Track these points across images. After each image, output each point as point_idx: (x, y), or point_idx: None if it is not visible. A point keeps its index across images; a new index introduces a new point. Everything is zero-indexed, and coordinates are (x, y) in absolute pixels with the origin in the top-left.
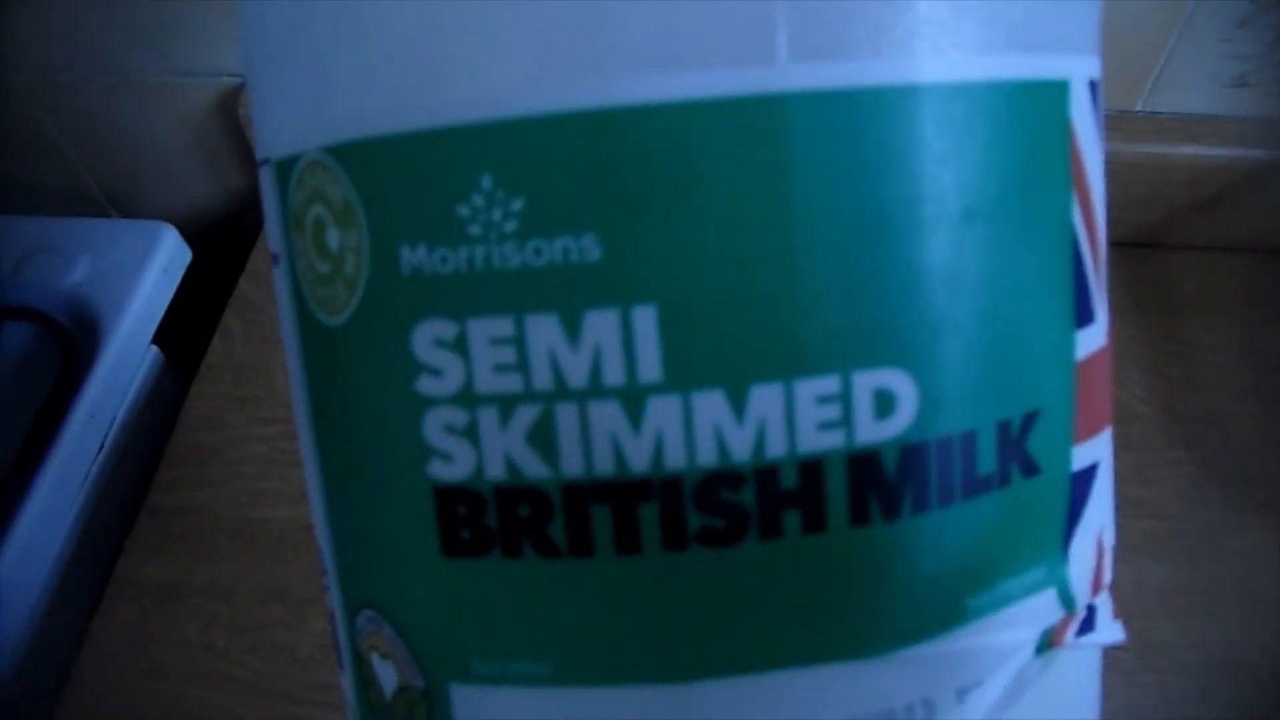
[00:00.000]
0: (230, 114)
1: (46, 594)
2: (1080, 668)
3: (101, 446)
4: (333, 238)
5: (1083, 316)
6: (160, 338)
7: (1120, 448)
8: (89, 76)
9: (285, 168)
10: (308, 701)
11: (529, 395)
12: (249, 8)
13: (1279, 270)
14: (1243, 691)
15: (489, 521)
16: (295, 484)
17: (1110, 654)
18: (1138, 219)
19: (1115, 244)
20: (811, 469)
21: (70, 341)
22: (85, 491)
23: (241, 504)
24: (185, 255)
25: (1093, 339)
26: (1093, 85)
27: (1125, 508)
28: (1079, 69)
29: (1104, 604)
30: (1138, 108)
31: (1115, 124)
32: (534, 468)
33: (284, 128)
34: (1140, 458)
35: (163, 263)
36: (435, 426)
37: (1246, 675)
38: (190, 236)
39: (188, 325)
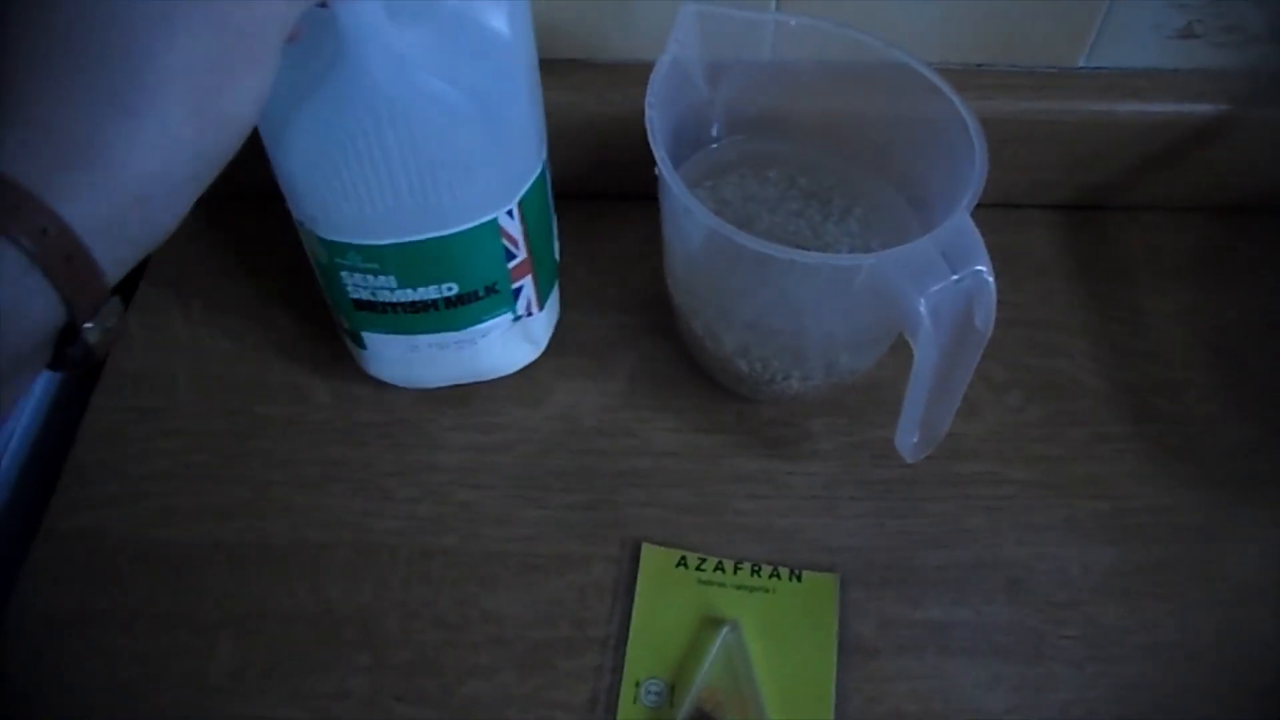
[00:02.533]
0: None
1: None
2: (527, 328)
3: None
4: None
5: (509, 259)
6: None
7: (1067, 423)
8: None
9: (327, 243)
10: None
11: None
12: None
13: (1230, 229)
14: (1199, 677)
15: (363, 302)
16: (201, 500)
17: (1057, 643)
18: (1081, 180)
19: (1059, 207)
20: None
21: None
22: None
23: (144, 524)
24: None
25: (516, 265)
26: (515, 209)
27: (1073, 487)
28: (499, 211)
29: (532, 316)
30: (1080, 64)
31: (1057, 82)
32: (369, 299)
33: (321, 226)
34: (1087, 433)
35: None
36: (352, 285)
37: (1202, 659)
38: None
39: None
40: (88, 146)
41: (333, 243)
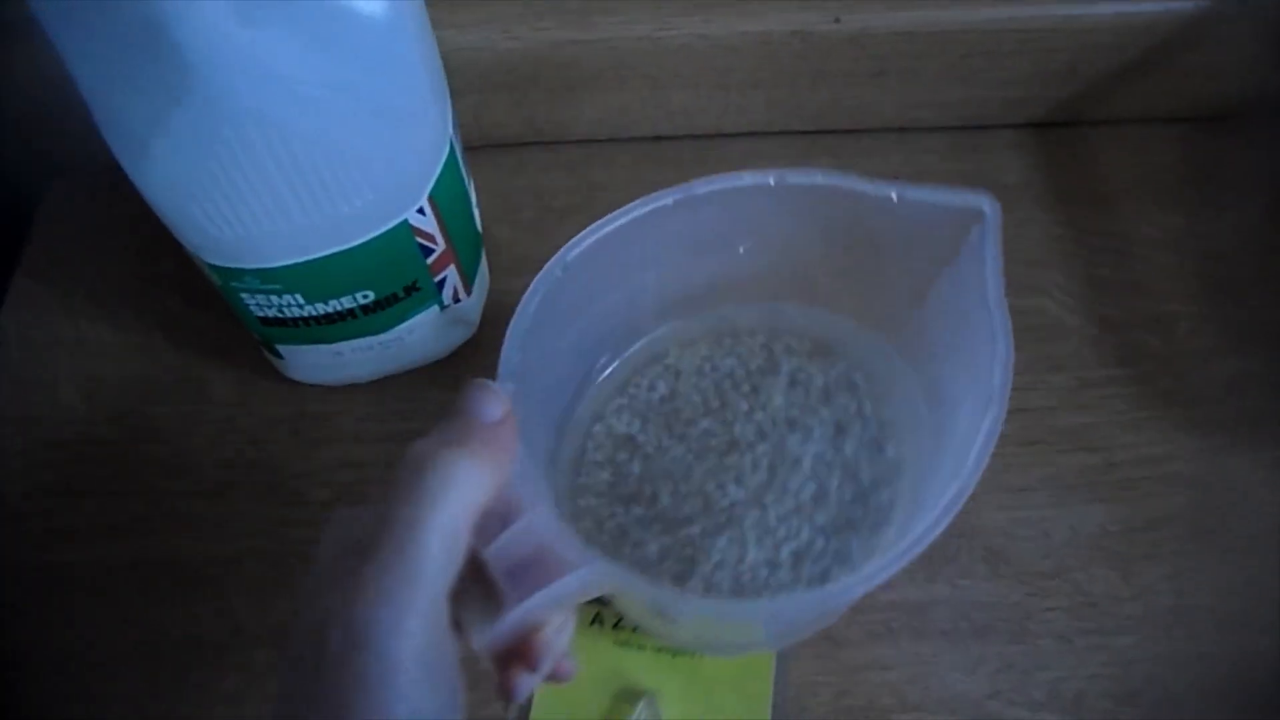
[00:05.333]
0: None
1: None
2: (457, 312)
3: None
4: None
5: (427, 255)
6: None
7: (1048, 369)
8: None
9: (218, 269)
10: None
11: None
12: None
13: (1219, 139)
14: (1198, 646)
15: (270, 319)
16: (92, 517)
17: (1042, 617)
18: (1056, 94)
19: (1031, 125)
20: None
21: None
22: None
23: (28, 548)
24: None
25: (435, 258)
26: (426, 204)
27: (1056, 440)
28: (408, 212)
29: (460, 302)
30: None
31: None
32: (277, 316)
33: (207, 253)
34: (1071, 379)
35: None
36: (255, 305)
37: (1201, 625)
38: None
39: None
40: None
41: (224, 268)
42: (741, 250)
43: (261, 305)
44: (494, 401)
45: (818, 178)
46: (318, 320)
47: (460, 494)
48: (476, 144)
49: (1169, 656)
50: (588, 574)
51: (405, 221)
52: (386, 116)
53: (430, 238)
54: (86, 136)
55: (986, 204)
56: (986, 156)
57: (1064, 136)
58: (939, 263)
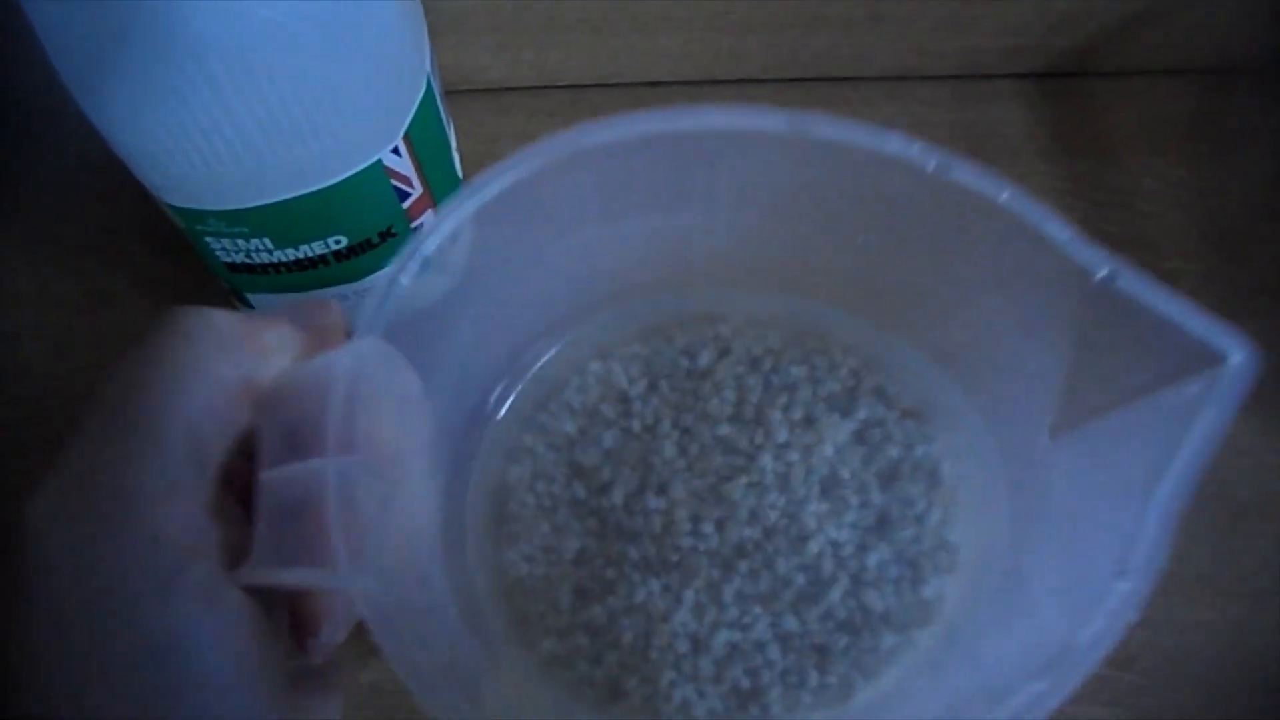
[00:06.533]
0: None
1: None
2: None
3: None
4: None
5: (403, 199)
6: None
7: None
8: None
9: (181, 210)
10: None
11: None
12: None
13: (1229, 95)
14: (1195, 612)
15: (238, 265)
16: None
17: None
18: (1059, 44)
19: (1033, 75)
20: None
21: None
22: None
23: None
24: None
25: (411, 203)
26: (401, 144)
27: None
28: (382, 151)
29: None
30: None
31: None
32: (245, 261)
33: (169, 194)
34: None
35: None
36: (221, 250)
37: (1198, 591)
38: None
39: None
40: None
41: (188, 210)
42: (860, 240)
43: (228, 250)
44: (321, 314)
45: (1038, 215)
46: (288, 267)
47: (204, 341)
48: (458, 88)
49: (1165, 622)
50: (348, 589)
51: (379, 162)
52: (357, 47)
53: (406, 180)
54: (47, 79)
55: (1237, 351)
56: (987, 107)
57: (1067, 87)
58: (1130, 391)
